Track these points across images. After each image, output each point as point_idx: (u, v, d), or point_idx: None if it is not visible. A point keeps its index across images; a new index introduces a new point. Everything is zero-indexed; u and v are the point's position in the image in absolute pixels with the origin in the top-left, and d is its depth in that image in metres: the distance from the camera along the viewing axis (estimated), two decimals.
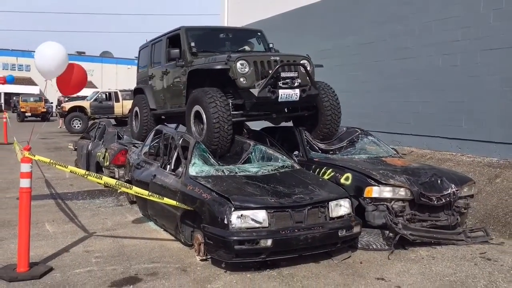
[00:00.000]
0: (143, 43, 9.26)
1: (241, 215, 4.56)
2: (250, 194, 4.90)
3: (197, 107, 6.50)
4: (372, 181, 5.50)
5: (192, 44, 7.22)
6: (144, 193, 5.00)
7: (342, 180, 5.73)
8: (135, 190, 5.02)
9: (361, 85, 10.67)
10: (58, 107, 26.08)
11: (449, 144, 8.63)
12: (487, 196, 6.84)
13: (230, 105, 6.36)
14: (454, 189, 5.60)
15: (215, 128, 6.12)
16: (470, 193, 5.88)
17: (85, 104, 23.11)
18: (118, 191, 7.93)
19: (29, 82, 49.41)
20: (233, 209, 4.56)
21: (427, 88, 9.15)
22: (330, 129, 6.99)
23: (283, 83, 6.28)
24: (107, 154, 8.47)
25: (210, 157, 5.79)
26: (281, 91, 6.23)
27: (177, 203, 5.07)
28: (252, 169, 5.65)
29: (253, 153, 6.23)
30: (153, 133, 7.09)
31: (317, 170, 6.13)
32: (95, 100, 23.06)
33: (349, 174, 5.72)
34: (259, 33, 8.17)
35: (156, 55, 8.45)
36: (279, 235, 4.58)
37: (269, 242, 4.51)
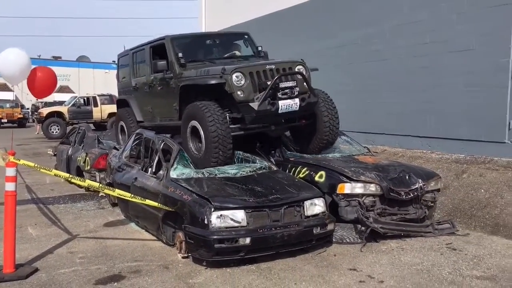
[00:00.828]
0: (121, 50, 8.98)
1: (221, 215, 4.80)
2: (229, 195, 5.14)
3: (193, 123, 6.22)
4: (344, 178, 5.80)
5: (180, 54, 6.85)
6: (126, 195, 5.21)
7: (317, 178, 6.01)
8: (118, 192, 5.22)
9: (336, 86, 10.94)
10: (36, 113, 25.86)
11: (420, 142, 9.00)
12: (454, 190, 7.20)
13: (228, 118, 6.14)
14: (421, 184, 5.93)
15: (214, 144, 5.88)
16: (436, 188, 6.23)
17: (63, 109, 23.05)
18: (100, 195, 8.10)
19: (4, 88, 48.67)
20: (213, 209, 4.79)
21: (398, 89, 9.51)
22: (329, 138, 6.81)
23: (282, 94, 6.09)
24: (87, 158, 8.60)
25: (189, 162, 5.99)
26: (281, 102, 6.05)
27: (159, 204, 5.27)
28: (231, 171, 5.88)
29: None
30: (133, 136, 7.26)
31: (293, 169, 6.40)
32: (73, 105, 23.03)
33: (323, 172, 6.01)
34: (246, 36, 7.90)
35: (139, 64, 8.12)
36: (257, 234, 4.83)
37: (247, 240, 4.76)
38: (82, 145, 9.55)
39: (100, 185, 5.22)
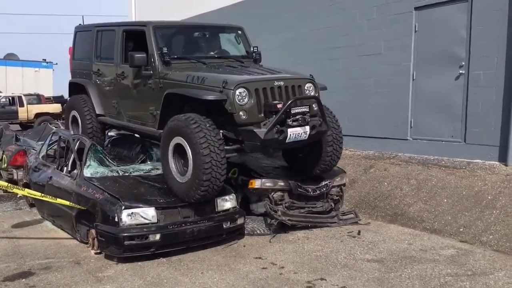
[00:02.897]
0: (80, 24, 7.74)
1: (132, 213, 5.00)
2: (141, 194, 5.36)
3: (178, 139, 5.18)
4: (256, 174, 6.16)
5: (165, 50, 5.78)
6: (36, 194, 5.25)
7: (230, 174, 6.30)
8: (28, 191, 5.26)
9: None
10: None
11: None
12: (362, 184, 7.80)
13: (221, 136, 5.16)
14: (327, 182, 6.40)
15: (206, 170, 4.90)
16: (342, 182, 6.73)
17: None
18: (18, 196, 7.97)
19: None
20: (123, 207, 4.98)
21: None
22: (329, 164, 6.12)
23: (293, 121, 5.21)
24: (4, 156, 8.48)
25: (106, 158, 6.10)
26: (290, 130, 5.16)
27: (71, 203, 5.36)
28: (145, 167, 6.07)
29: (151, 153, 6.62)
30: (50, 136, 7.23)
31: None
32: None
33: (236, 169, 6.33)
34: (239, 31, 6.81)
35: (105, 47, 6.86)
36: (167, 230, 5.08)
37: (157, 236, 4.99)
38: None
39: (9, 184, 5.21)
